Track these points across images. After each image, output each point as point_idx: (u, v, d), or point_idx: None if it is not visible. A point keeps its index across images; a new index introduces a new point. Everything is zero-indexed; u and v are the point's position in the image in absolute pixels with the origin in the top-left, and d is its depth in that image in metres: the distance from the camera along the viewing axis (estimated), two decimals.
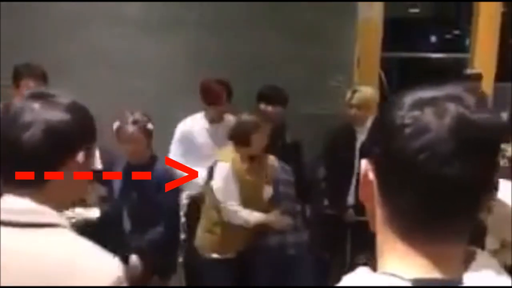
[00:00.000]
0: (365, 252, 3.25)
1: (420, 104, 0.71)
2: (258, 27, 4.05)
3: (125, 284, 1.02)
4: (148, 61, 4.02)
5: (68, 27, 3.91)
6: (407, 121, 0.70)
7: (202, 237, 3.13)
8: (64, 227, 1.04)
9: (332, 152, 3.76)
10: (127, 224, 3.00)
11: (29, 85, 3.37)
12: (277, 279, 3.23)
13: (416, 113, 0.70)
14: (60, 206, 1.08)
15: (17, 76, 3.39)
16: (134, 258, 2.88)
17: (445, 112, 0.69)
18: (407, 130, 0.69)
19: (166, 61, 4.03)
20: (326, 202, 3.89)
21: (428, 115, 0.69)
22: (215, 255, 3.07)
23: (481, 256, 0.76)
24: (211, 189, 3.00)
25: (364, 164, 0.78)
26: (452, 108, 0.70)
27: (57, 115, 1.05)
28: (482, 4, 5.36)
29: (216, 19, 4.00)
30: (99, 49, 3.97)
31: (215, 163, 3.01)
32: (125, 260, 2.77)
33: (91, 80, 3.90)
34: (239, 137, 3.00)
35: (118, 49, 4.00)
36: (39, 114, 1.04)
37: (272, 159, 3.20)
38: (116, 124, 2.83)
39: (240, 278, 3.11)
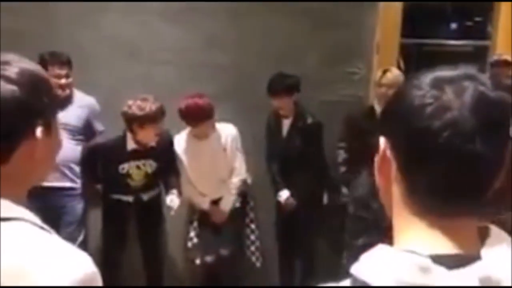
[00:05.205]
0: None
1: (439, 84, 0.73)
2: (275, 13, 4.03)
3: (95, 283, 0.88)
4: (166, 48, 4.04)
5: (85, 15, 3.93)
6: (427, 100, 0.72)
7: None
8: (25, 221, 0.88)
9: (353, 136, 3.78)
10: None
11: (55, 72, 3.44)
12: None
13: (436, 92, 0.72)
14: (17, 195, 0.93)
15: (43, 63, 3.44)
16: None
17: (465, 91, 0.71)
18: (429, 109, 0.71)
19: (184, 48, 4.04)
20: (344, 190, 3.90)
21: (448, 94, 0.72)
22: None
23: (494, 231, 0.77)
24: None
25: (383, 142, 0.79)
26: (471, 86, 0.72)
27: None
28: None
29: (235, 6, 3.99)
30: (117, 37, 3.99)
31: None
32: None
33: (109, 68, 3.94)
34: None
35: (136, 37, 4.02)
36: None
37: None
38: None
39: None
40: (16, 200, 0.91)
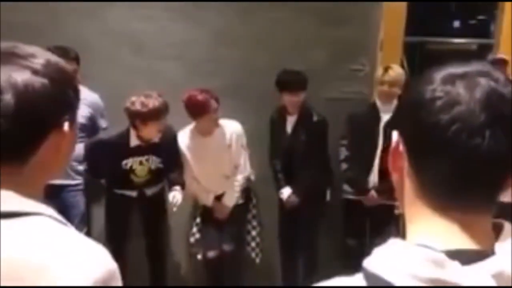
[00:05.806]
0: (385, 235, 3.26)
1: (451, 79, 0.74)
2: (281, 10, 4.03)
3: (115, 279, 0.87)
4: (172, 43, 4.03)
5: (91, 9, 3.92)
6: (438, 94, 0.73)
7: None
8: (45, 215, 0.87)
9: (356, 133, 3.78)
10: None
11: None
12: None
13: (448, 87, 0.73)
14: (37, 190, 0.92)
15: None
16: None
17: (476, 86, 0.72)
18: (439, 103, 0.72)
19: (190, 43, 4.04)
20: (345, 187, 3.91)
21: (459, 89, 0.72)
22: None
23: (508, 227, 0.77)
24: None
25: (396, 136, 0.80)
26: (483, 82, 0.72)
27: (30, 79, 0.86)
28: None
29: (241, 2, 3.98)
30: (123, 32, 3.99)
31: None
32: None
33: (115, 63, 3.93)
34: None
35: (142, 32, 4.01)
36: (7, 79, 0.85)
37: None
38: None
39: None
40: (34, 195, 0.89)
